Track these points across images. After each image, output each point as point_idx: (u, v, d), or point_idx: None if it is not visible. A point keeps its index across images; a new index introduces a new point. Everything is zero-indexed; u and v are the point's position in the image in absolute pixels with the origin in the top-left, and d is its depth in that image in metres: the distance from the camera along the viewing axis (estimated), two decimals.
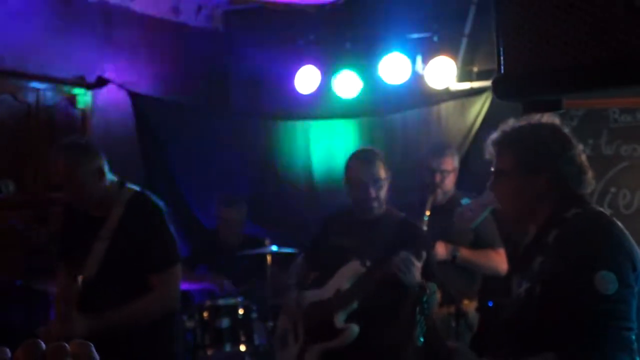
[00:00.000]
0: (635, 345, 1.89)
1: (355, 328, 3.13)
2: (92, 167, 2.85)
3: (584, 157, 2.17)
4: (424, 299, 3.16)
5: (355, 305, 3.15)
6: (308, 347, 3.23)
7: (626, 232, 2.02)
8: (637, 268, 1.95)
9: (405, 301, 3.19)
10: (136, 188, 2.99)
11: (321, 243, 3.42)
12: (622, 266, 1.93)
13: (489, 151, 2.25)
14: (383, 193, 3.28)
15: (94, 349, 0.70)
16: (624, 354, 1.88)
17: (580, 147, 2.19)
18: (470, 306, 3.94)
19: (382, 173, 3.29)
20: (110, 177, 2.93)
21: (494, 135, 2.24)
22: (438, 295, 3.28)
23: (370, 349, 3.14)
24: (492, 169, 2.25)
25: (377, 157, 3.34)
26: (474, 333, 3.91)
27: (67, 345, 0.69)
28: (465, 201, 3.67)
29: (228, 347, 4.20)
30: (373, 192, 3.24)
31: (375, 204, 3.27)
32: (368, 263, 3.15)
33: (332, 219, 3.51)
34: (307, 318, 3.28)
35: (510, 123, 2.22)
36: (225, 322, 4.21)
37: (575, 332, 1.92)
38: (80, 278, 2.76)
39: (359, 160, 3.35)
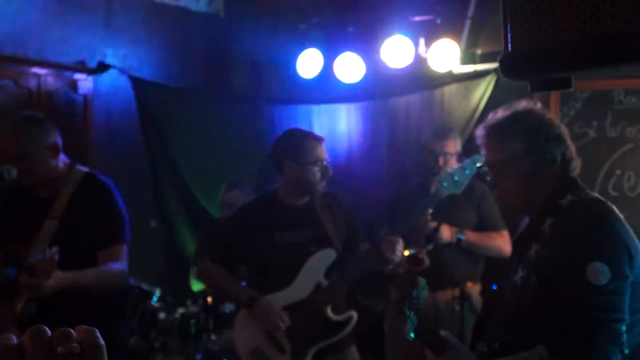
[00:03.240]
0: (624, 337, 1.87)
1: (354, 315, 3.08)
2: (46, 142, 2.80)
3: (569, 139, 2.19)
4: (414, 293, 3.14)
5: (342, 293, 3.11)
6: (302, 352, 3.05)
7: (623, 219, 2.00)
8: (634, 257, 1.93)
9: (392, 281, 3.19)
10: (85, 169, 2.95)
11: (253, 243, 3.16)
12: (617, 257, 1.91)
13: (485, 138, 2.21)
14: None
15: (99, 334, 0.70)
16: (612, 346, 1.86)
17: (566, 129, 2.21)
18: (473, 289, 3.94)
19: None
20: (62, 157, 2.89)
21: (479, 130, 2.22)
22: (426, 292, 3.25)
23: (369, 333, 3.11)
24: (494, 157, 2.20)
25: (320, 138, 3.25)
26: (478, 316, 3.91)
27: (72, 330, 0.69)
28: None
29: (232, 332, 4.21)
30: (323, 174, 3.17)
31: (315, 191, 3.18)
32: (339, 247, 3.11)
33: (260, 216, 3.20)
34: (291, 323, 3.06)
35: (491, 114, 2.21)
36: (228, 307, 4.22)
37: (565, 323, 1.91)
38: (55, 249, 2.63)
39: (317, 141, 3.21)
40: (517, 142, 2.14)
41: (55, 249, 2.62)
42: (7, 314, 2.75)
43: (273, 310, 3.06)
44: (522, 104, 2.20)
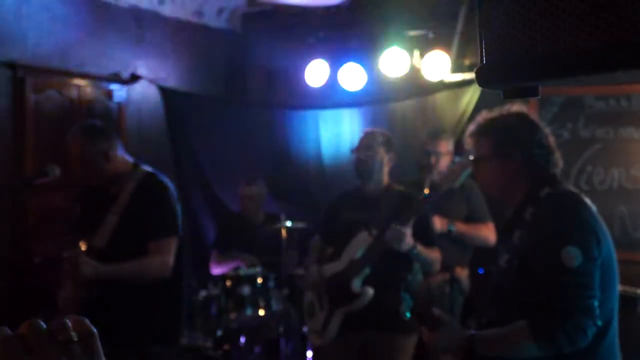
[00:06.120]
0: (597, 312, 1.91)
1: (369, 290, 3.14)
2: (99, 148, 2.81)
3: (552, 140, 2.19)
4: (409, 277, 3.23)
5: (367, 271, 3.15)
6: (333, 312, 3.25)
7: (592, 208, 2.03)
8: (601, 241, 1.96)
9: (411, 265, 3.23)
10: (149, 169, 2.96)
11: (333, 220, 3.41)
12: (587, 241, 1.94)
13: (467, 142, 2.25)
14: (380, 167, 3.29)
15: (88, 322, 0.68)
16: (587, 319, 1.90)
17: (548, 130, 2.20)
18: (462, 273, 3.93)
19: (381, 150, 3.30)
20: (123, 158, 2.90)
21: (471, 128, 2.24)
22: (420, 276, 3.32)
23: (384, 309, 3.14)
24: (472, 158, 2.26)
25: (379, 137, 3.37)
26: (466, 297, 3.91)
27: (69, 321, 0.66)
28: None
29: (249, 312, 4.23)
30: (369, 162, 3.28)
31: (366, 175, 3.30)
32: (374, 232, 3.16)
33: (342, 197, 3.50)
34: (329, 288, 3.29)
35: (483, 114, 2.22)
36: (246, 290, 4.23)
37: (544, 301, 1.94)
38: (82, 245, 2.74)
39: (362, 135, 3.42)
40: (503, 139, 2.15)
41: (82, 244, 2.69)
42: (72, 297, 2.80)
43: (310, 275, 3.40)
44: (514, 107, 2.20)
